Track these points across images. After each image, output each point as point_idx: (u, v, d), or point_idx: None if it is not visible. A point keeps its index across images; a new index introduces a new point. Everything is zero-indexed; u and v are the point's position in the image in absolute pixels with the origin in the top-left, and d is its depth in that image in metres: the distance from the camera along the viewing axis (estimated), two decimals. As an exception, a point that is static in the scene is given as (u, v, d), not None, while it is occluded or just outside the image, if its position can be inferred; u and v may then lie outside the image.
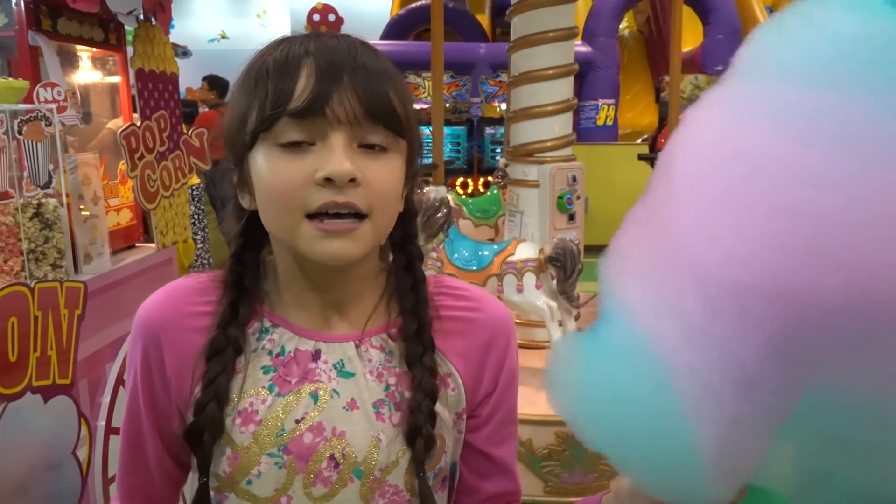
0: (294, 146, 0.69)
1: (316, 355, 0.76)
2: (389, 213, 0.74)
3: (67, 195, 1.86)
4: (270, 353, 0.76)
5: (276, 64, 0.71)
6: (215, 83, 6.00)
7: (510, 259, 2.59)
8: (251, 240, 0.79)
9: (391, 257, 0.84)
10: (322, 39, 0.72)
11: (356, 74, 0.69)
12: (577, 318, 2.71)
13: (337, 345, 0.77)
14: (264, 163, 0.71)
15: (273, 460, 0.72)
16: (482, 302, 0.85)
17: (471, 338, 0.82)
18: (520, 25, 2.93)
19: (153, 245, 2.40)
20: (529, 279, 2.56)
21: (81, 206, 1.98)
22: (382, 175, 0.71)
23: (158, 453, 0.81)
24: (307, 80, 0.69)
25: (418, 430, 0.74)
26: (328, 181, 0.68)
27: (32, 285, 1.54)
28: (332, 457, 0.73)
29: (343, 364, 0.76)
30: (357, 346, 0.77)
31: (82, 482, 1.70)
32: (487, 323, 0.83)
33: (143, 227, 2.52)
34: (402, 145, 0.74)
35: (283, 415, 0.73)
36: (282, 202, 0.70)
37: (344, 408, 0.75)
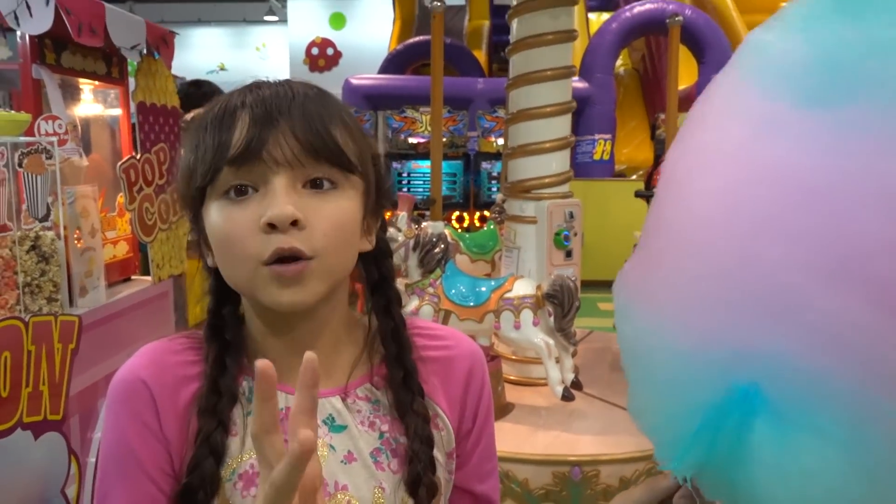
0: (238, 193, 0.69)
1: None
2: (340, 253, 0.72)
3: (65, 227, 1.85)
4: None
5: (213, 118, 0.71)
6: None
7: (507, 295, 2.59)
8: (225, 295, 0.78)
9: (369, 304, 0.83)
10: (260, 89, 0.72)
11: (292, 116, 0.69)
12: (573, 354, 2.70)
13: (323, 400, 0.76)
14: (214, 214, 0.71)
15: None
16: (454, 339, 0.86)
17: (450, 376, 0.82)
18: (518, 63, 2.96)
19: (149, 278, 2.38)
20: (527, 316, 2.55)
21: (77, 237, 1.97)
22: (332, 214, 0.70)
23: None
24: (242, 128, 0.69)
25: (419, 480, 0.74)
26: (271, 226, 0.67)
27: (27, 319, 1.53)
28: None
29: (333, 419, 0.76)
30: (343, 399, 0.77)
31: (71, 520, 1.67)
32: (464, 359, 0.84)
33: (138, 261, 2.51)
34: (354, 181, 0.73)
35: None
36: (234, 252, 0.70)
37: (342, 461, 0.74)
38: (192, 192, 0.72)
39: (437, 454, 0.77)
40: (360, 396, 0.78)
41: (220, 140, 0.69)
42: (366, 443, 0.75)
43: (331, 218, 0.70)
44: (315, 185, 0.70)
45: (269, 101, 0.70)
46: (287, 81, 0.74)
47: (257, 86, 0.73)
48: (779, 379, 0.53)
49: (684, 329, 0.58)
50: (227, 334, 0.76)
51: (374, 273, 0.82)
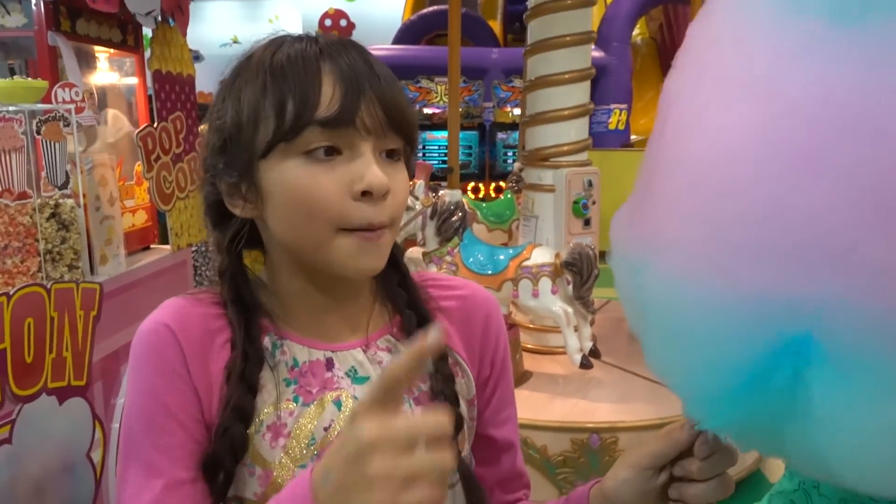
0: (324, 155, 0.67)
1: (329, 364, 0.75)
2: (399, 224, 0.75)
3: (84, 196, 1.85)
4: (286, 365, 0.74)
5: (290, 64, 0.68)
6: None
7: (526, 263, 2.58)
8: (239, 252, 0.77)
9: None
10: (330, 43, 0.70)
11: (377, 83, 0.69)
12: (591, 323, 2.69)
13: (346, 353, 0.76)
14: (292, 172, 0.68)
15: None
16: (468, 287, 0.86)
17: (468, 325, 0.83)
18: (537, 29, 2.92)
19: (168, 247, 2.39)
20: (545, 284, 2.54)
21: (98, 207, 1.98)
22: (402, 184, 0.72)
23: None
24: (332, 88, 0.67)
25: None
26: (365, 194, 0.67)
27: (49, 286, 1.53)
28: None
29: (355, 370, 0.75)
30: (365, 351, 0.77)
31: (96, 485, 1.70)
32: (480, 305, 0.84)
33: (157, 229, 2.51)
34: (407, 151, 0.74)
35: (310, 424, 0.71)
36: (314, 215, 0.68)
37: None
38: (258, 143, 0.68)
39: (459, 399, 0.78)
40: (381, 347, 0.78)
41: (306, 96, 0.66)
42: None
43: (403, 189, 0.72)
44: (389, 155, 0.71)
45: (350, 60, 0.69)
46: (346, 39, 0.72)
47: (322, 37, 0.71)
48: (834, 326, 0.49)
49: (722, 279, 0.53)
50: (245, 294, 0.75)
51: None
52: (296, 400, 0.72)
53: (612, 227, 0.71)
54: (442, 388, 0.76)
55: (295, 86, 0.67)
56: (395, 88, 0.71)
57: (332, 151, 0.67)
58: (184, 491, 0.69)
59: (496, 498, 0.87)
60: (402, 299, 0.80)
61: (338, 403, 0.73)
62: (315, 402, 0.72)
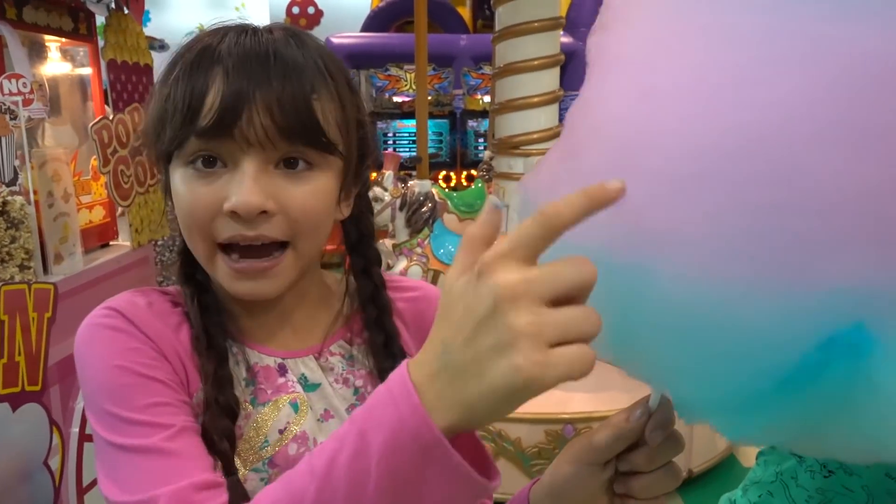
0: (206, 164, 0.63)
1: (282, 370, 0.71)
2: (316, 236, 0.67)
3: (35, 192, 1.78)
4: (243, 366, 0.70)
5: (186, 70, 0.63)
6: None
7: (497, 254, 2.55)
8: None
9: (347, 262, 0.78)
10: (240, 39, 0.64)
11: (270, 86, 0.61)
12: (565, 313, 2.67)
13: (297, 360, 0.72)
14: (178, 182, 0.65)
15: (259, 476, 0.66)
16: (421, 288, 0.83)
17: (421, 322, 0.79)
18: (505, 15, 2.87)
19: (128, 243, 2.31)
20: (517, 274, 2.52)
21: (51, 203, 1.90)
22: (305, 199, 0.64)
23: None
24: (215, 94, 0.61)
25: None
26: (235, 213, 0.62)
27: (-2, 288, 1.47)
28: None
29: (306, 378, 0.72)
30: (317, 358, 0.73)
31: (55, 493, 1.64)
32: (432, 303, 0.80)
33: (116, 226, 2.43)
34: (333, 160, 0.66)
35: (265, 425, 0.68)
36: (192, 230, 0.64)
37: (319, 419, 0.70)
38: (159, 150, 0.66)
39: None
40: (332, 353, 0.74)
41: (190, 103, 0.62)
42: (341, 399, 0.72)
43: (304, 202, 0.64)
44: (289, 164, 0.64)
45: (245, 64, 0.62)
46: (268, 31, 0.66)
47: (236, 36, 0.64)
48: (890, 313, 0.44)
49: (756, 275, 0.46)
50: (208, 299, 0.70)
51: (353, 233, 0.77)
52: (253, 403, 0.69)
53: (527, 203, 0.60)
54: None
55: (186, 89, 0.62)
56: (301, 86, 0.63)
57: (212, 162, 0.63)
58: (190, 435, 0.62)
59: None
60: (372, 313, 0.75)
61: (294, 405, 0.69)
62: (270, 403, 0.69)
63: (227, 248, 0.64)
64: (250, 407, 0.68)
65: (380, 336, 0.74)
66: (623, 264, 0.51)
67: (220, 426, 0.64)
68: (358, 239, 0.77)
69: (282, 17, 11.52)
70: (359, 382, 0.74)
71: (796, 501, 0.96)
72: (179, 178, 0.64)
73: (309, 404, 0.70)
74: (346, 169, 0.69)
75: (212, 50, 0.63)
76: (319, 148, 0.64)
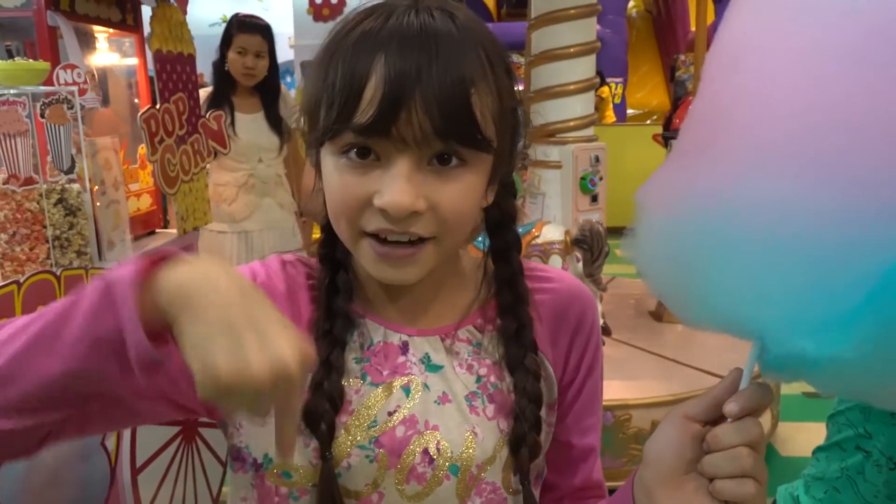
0: (360, 156, 0.63)
1: (404, 348, 0.72)
2: (461, 231, 0.67)
3: (91, 180, 1.82)
4: (361, 345, 0.71)
5: (353, 48, 0.62)
6: None
7: (535, 241, 2.55)
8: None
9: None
10: (401, 23, 0.62)
11: (430, 83, 0.59)
12: (601, 300, 2.68)
13: (423, 339, 0.72)
14: (329, 169, 0.65)
15: (364, 453, 0.68)
16: (563, 280, 0.79)
17: (560, 320, 0.76)
18: (540, 2, 2.86)
19: (174, 231, 2.36)
20: (555, 262, 2.52)
21: (103, 191, 1.94)
22: (454, 198, 0.63)
23: None
24: (375, 88, 0.60)
25: (523, 439, 0.70)
26: (385, 211, 0.62)
27: (59, 273, 1.50)
28: (426, 451, 0.69)
29: (429, 357, 0.72)
30: (443, 340, 0.73)
31: (111, 472, 1.68)
32: (575, 302, 0.77)
33: (162, 213, 2.48)
34: (485, 156, 0.66)
35: (375, 405, 0.69)
36: (340, 217, 0.65)
37: (435, 402, 0.70)
38: (314, 136, 0.66)
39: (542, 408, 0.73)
40: (460, 338, 0.73)
41: (348, 96, 0.61)
42: (462, 385, 0.71)
43: (453, 200, 0.63)
44: (441, 160, 0.63)
45: (407, 50, 0.60)
46: (429, 13, 0.63)
47: (398, 18, 0.62)
48: None
49: (834, 190, 0.49)
50: (340, 279, 0.72)
51: (496, 214, 0.75)
52: (363, 378, 0.70)
53: (644, 196, 0.64)
54: (525, 384, 0.71)
55: (345, 77, 0.61)
56: (462, 82, 0.61)
57: (366, 153, 0.63)
58: None
59: None
60: (507, 300, 0.74)
61: (406, 390, 0.70)
62: (384, 385, 0.70)
63: (371, 236, 0.65)
64: (360, 382, 0.69)
65: (513, 324, 0.73)
66: (711, 189, 0.55)
67: (320, 410, 0.66)
68: (499, 221, 0.75)
69: (305, 6, 11.52)
70: (482, 371, 0.72)
71: (865, 497, 0.96)
72: (332, 165, 0.65)
73: (426, 385, 0.70)
74: (499, 159, 0.68)
75: (373, 34, 0.62)
76: (474, 146, 0.63)
